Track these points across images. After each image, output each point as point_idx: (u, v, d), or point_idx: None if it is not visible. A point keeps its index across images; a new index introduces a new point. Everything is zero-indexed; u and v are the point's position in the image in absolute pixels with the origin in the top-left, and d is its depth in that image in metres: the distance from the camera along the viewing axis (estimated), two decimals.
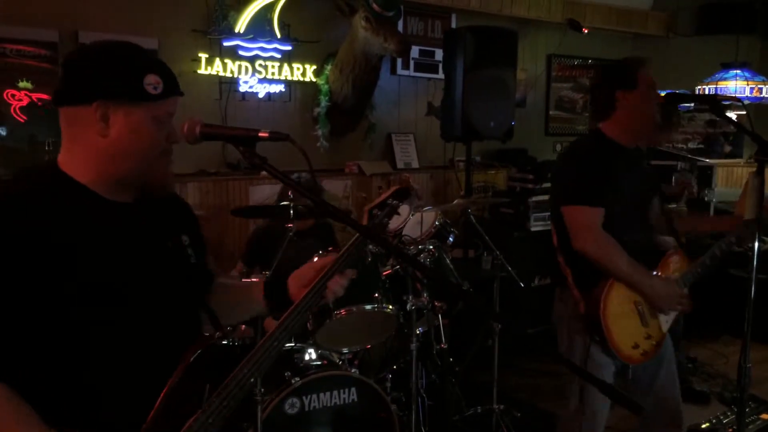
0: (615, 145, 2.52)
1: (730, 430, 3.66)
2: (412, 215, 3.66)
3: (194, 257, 1.55)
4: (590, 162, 2.50)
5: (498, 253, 3.52)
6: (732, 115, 5.35)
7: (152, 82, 1.35)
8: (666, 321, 2.55)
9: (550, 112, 6.56)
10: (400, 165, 5.41)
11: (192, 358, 1.38)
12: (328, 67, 4.84)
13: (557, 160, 2.71)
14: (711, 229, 3.19)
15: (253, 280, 1.83)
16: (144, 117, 1.36)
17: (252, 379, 1.43)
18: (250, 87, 4.63)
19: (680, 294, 2.50)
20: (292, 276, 1.63)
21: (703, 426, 3.73)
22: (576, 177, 2.52)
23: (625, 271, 2.41)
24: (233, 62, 4.51)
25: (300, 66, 4.81)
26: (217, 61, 4.45)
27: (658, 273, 2.54)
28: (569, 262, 2.53)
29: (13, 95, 3.84)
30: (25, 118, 3.87)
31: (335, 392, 2.77)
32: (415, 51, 5.34)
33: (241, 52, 4.53)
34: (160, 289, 1.43)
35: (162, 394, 1.34)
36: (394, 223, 3.74)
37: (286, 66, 4.75)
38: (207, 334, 1.52)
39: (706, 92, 6.04)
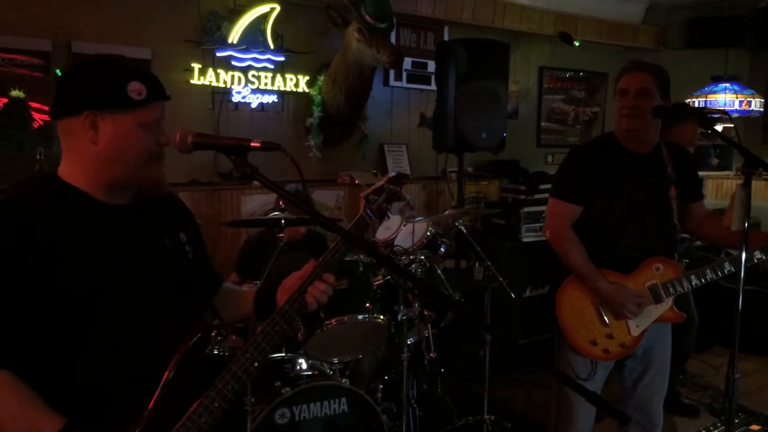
0: (617, 148, 2.55)
1: None
2: (404, 225, 3.67)
3: (192, 254, 1.60)
4: (578, 161, 2.61)
5: (490, 263, 3.53)
6: (721, 128, 5.41)
7: (135, 89, 1.40)
8: (636, 326, 2.51)
9: (542, 124, 6.60)
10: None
11: (191, 342, 1.42)
12: (321, 78, 4.86)
13: None
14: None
15: (247, 288, 1.86)
16: (131, 123, 1.41)
17: (255, 364, 1.44)
18: (243, 97, 4.64)
19: (633, 301, 2.46)
20: (281, 286, 1.66)
21: None
22: (561, 172, 2.64)
23: (577, 265, 2.49)
24: (226, 72, 4.53)
25: (293, 77, 4.83)
26: (210, 71, 4.47)
27: (614, 279, 2.50)
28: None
29: (5, 104, 3.84)
30: None
31: (326, 402, 2.76)
32: (407, 62, 5.37)
33: (234, 63, 4.54)
34: (155, 285, 1.48)
35: (164, 379, 1.38)
36: (385, 234, 3.76)
37: (279, 76, 4.76)
38: (205, 321, 1.59)
39: (696, 105, 6.09)
